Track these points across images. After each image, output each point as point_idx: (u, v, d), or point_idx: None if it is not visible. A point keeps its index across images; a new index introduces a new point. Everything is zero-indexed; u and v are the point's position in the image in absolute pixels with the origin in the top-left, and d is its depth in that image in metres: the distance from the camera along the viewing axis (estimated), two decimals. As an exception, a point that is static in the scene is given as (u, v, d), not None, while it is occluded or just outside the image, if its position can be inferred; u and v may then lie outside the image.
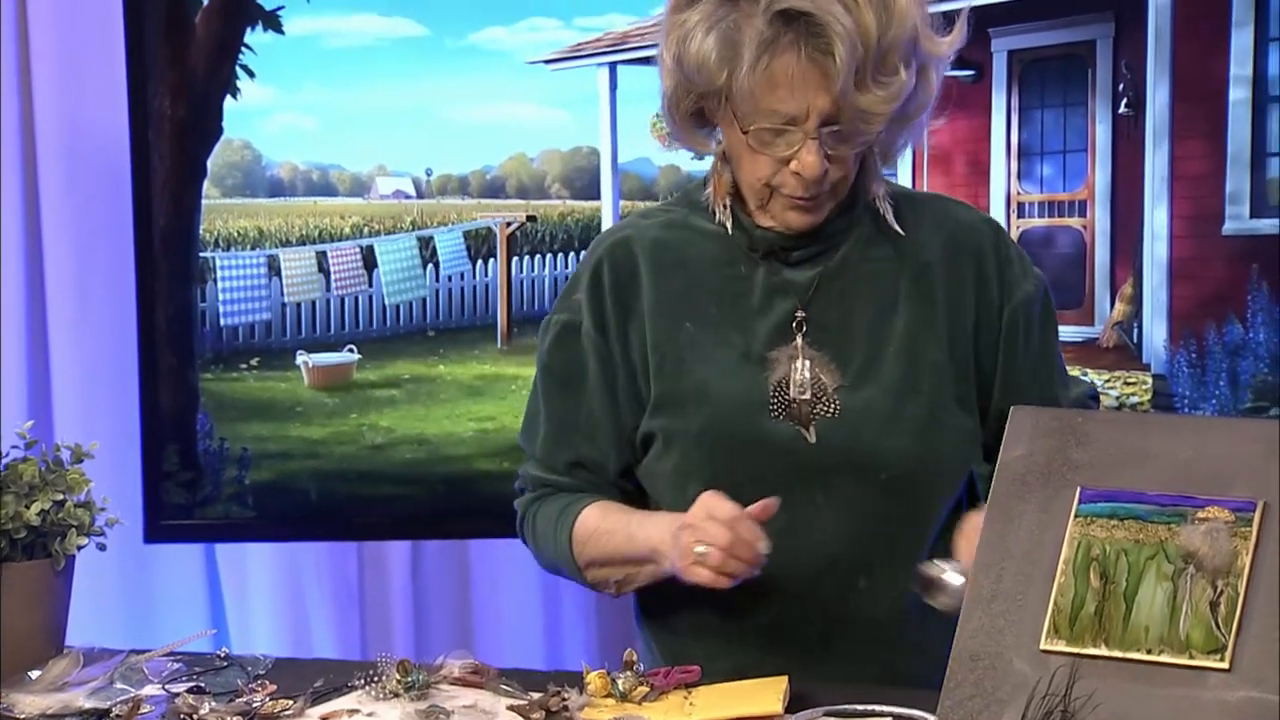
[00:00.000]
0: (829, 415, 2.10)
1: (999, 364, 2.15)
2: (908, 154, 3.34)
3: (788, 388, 2.11)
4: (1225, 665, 1.64)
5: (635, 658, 1.94)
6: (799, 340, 2.12)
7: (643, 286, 2.16)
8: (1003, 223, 3.29)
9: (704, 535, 1.97)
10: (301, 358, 3.36)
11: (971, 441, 2.15)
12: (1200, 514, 1.70)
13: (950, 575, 1.95)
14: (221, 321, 3.33)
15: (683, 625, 2.19)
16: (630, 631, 2.31)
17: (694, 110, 2.10)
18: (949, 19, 2.09)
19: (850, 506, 2.10)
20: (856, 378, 2.11)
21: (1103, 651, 1.68)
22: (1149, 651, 1.67)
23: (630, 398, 2.17)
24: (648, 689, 1.91)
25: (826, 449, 2.09)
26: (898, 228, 2.14)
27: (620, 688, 1.90)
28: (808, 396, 2.10)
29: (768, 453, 2.09)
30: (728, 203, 2.15)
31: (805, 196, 2.06)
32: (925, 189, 3.32)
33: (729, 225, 2.15)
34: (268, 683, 2.01)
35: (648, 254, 2.17)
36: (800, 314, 2.13)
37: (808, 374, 2.11)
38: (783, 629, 2.12)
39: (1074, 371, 3.20)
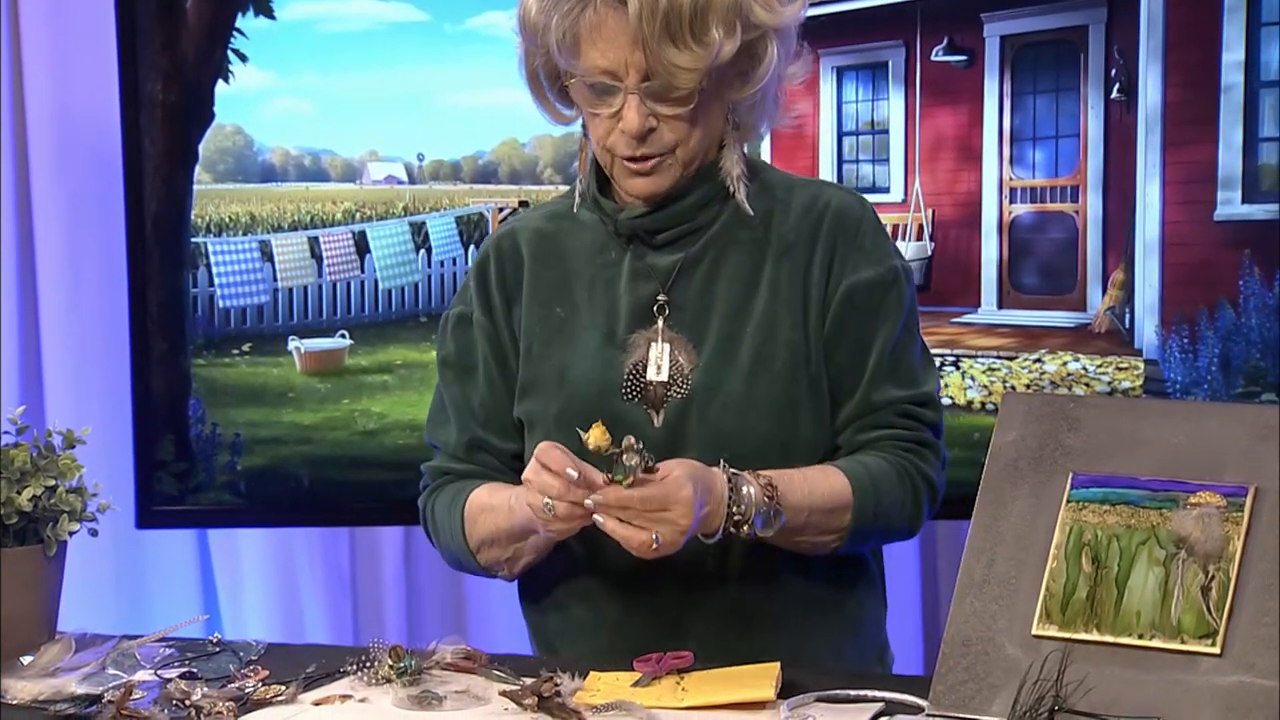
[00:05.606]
0: (680, 397, 2.11)
1: (824, 342, 2.14)
2: (898, 139, 3.34)
3: (644, 371, 2.12)
4: (1217, 650, 1.64)
5: (636, 443, 1.93)
6: (659, 323, 2.14)
7: (524, 276, 2.19)
8: (995, 208, 3.29)
9: (542, 488, 1.95)
10: (294, 343, 3.35)
11: (826, 421, 2.14)
12: (1192, 499, 1.70)
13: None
14: (213, 307, 3.32)
15: (550, 609, 2.21)
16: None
17: (544, 76, 2.12)
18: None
19: None
20: (711, 358, 2.12)
21: (1094, 636, 1.69)
22: (1141, 636, 1.67)
23: (515, 383, 2.19)
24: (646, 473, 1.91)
25: (673, 431, 2.10)
26: (748, 209, 2.14)
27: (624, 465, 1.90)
28: (663, 379, 2.12)
29: (617, 435, 2.04)
30: (588, 178, 2.17)
31: (635, 157, 2.07)
32: (918, 174, 3.32)
33: (593, 195, 2.16)
34: (260, 668, 2.01)
35: (530, 245, 2.20)
36: (662, 297, 2.14)
37: (666, 357, 2.12)
38: (636, 612, 2.13)
39: (1064, 356, 3.21)
